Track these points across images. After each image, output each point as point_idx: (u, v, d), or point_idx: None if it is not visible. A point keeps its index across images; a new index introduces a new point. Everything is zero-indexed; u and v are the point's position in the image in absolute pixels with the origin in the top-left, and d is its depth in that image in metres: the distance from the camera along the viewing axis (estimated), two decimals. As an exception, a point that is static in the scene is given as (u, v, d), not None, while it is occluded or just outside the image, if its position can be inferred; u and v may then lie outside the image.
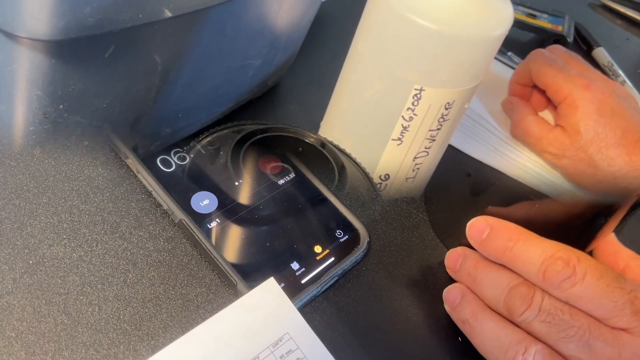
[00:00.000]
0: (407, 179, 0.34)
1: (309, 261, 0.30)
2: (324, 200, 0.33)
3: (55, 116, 0.31)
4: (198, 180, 0.31)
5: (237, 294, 0.28)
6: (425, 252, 0.33)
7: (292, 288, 0.29)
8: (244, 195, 0.32)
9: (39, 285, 0.27)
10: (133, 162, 0.31)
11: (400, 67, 0.30)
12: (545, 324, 0.26)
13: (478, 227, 0.30)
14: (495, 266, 0.29)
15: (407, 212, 0.35)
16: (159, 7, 0.28)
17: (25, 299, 0.27)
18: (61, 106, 0.31)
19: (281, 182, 0.33)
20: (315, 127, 0.36)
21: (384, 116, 0.32)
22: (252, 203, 0.31)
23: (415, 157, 0.33)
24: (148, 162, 0.31)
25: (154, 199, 0.31)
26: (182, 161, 0.32)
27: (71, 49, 0.28)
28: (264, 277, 0.28)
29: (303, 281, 0.29)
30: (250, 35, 0.34)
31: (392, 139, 0.32)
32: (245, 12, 0.33)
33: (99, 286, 0.28)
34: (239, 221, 0.30)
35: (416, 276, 0.32)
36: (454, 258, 0.31)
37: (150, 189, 0.31)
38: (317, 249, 0.30)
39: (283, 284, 0.28)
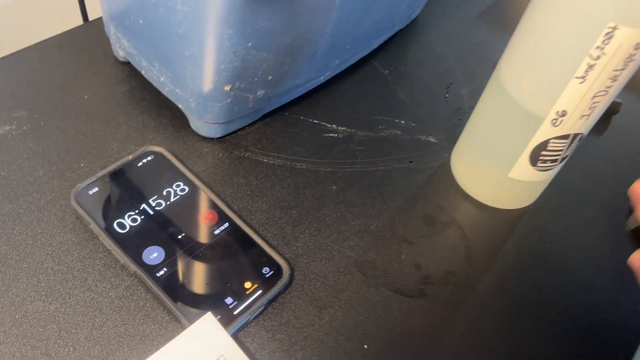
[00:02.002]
0: (582, 116, 0.35)
1: (240, 295, 0.37)
2: (253, 243, 0.40)
3: (244, 54, 0.37)
4: (148, 237, 0.39)
5: (182, 328, 0.36)
6: (340, 278, 0.41)
7: (227, 319, 0.36)
8: (186, 245, 0.39)
9: (24, 335, 0.35)
10: (95, 227, 0.39)
11: (594, 3, 0.29)
12: None
13: None
14: None
15: (325, 245, 0.42)
16: None
17: (14, 346, 0.34)
18: (250, 44, 0.36)
19: (217, 231, 0.40)
20: (457, 60, 0.39)
21: (571, 54, 0.31)
22: (193, 252, 0.39)
23: (594, 96, 0.33)
24: (107, 226, 0.39)
25: (113, 256, 0.38)
26: (134, 222, 0.40)
27: None
28: (203, 312, 0.36)
29: (235, 312, 0.36)
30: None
31: (576, 77, 0.32)
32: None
33: (73, 331, 0.35)
34: (183, 268, 0.38)
35: (332, 300, 0.40)
36: None
37: (109, 248, 0.38)
38: (247, 284, 0.38)
39: (219, 316, 0.36)
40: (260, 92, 0.45)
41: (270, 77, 0.44)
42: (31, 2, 0.57)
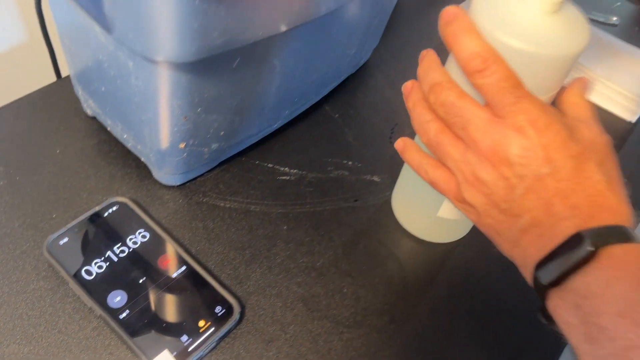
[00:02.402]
0: None
1: (194, 333, 0.42)
2: (207, 284, 0.45)
3: (195, 117, 0.43)
4: (112, 282, 0.44)
5: (142, 364, 0.41)
6: (287, 313, 0.46)
7: (182, 355, 0.41)
8: (147, 288, 0.44)
9: (2, 376, 0.39)
10: (64, 275, 0.43)
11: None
12: (442, 111, 0.37)
13: (448, 10, 0.36)
14: (435, 71, 0.38)
15: (275, 283, 0.47)
16: (276, 24, 0.38)
17: (-8, 386, 0.39)
18: (199, 109, 0.43)
19: (175, 275, 0.45)
20: (403, 102, 0.43)
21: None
22: (153, 294, 0.44)
23: None
24: (75, 273, 0.44)
25: (82, 300, 0.43)
26: (100, 269, 0.44)
27: (204, 65, 0.38)
28: (161, 349, 0.40)
29: (190, 349, 0.41)
30: (349, 32, 0.46)
31: None
32: (346, 14, 0.46)
33: (45, 370, 0.40)
34: (143, 309, 0.43)
35: (279, 334, 0.45)
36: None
37: (78, 293, 0.43)
38: (201, 323, 0.43)
39: (175, 352, 0.41)
40: (214, 146, 0.50)
41: (222, 133, 0.49)
42: (6, 58, 0.62)
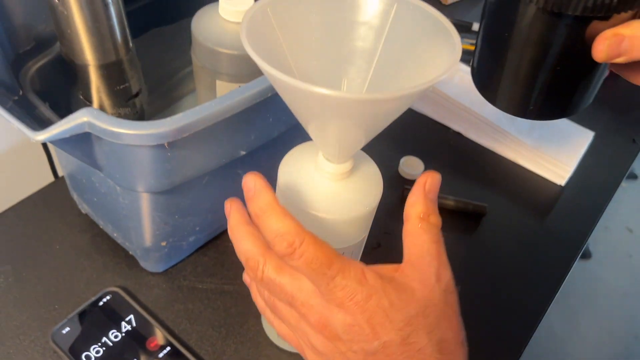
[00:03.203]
0: None
1: (178, 406, 0.50)
2: (189, 362, 0.53)
3: (173, 222, 0.52)
4: (108, 365, 0.52)
5: None
6: (258, 381, 0.54)
7: None
8: (138, 369, 0.52)
9: None
10: (67, 361, 0.52)
11: None
12: (265, 288, 0.36)
13: (248, 184, 0.34)
14: (244, 239, 0.35)
15: (247, 356, 0.56)
16: (237, 150, 0.47)
17: None
18: (176, 216, 0.52)
19: (161, 355, 0.53)
20: None
21: None
22: (142, 374, 0.52)
23: None
24: (75, 357, 0.52)
25: (82, 382, 0.51)
26: (97, 354, 0.53)
27: (178, 188, 0.47)
28: (150, 423, 0.49)
29: (174, 420, 0.49)
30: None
31: None
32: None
33: None
34: (135, 388, 0.51)
35: (250, 400, 0.53)
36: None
37: (79, 377, 0.51)
38: (184, 396, 0.51)
39: None
40: (191, 238, 0.59)
41: (197, 228, 0.58)
42: (5, 159, 0.70)
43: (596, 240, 1.92)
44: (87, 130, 0.38)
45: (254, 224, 0.35)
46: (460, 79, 0.85)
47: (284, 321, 0.38)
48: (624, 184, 1.76)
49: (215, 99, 0.41)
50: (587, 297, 1.79)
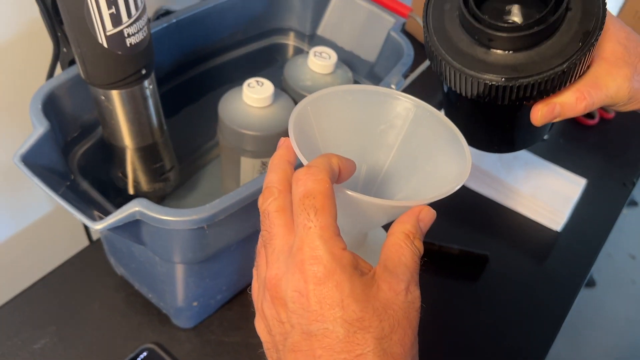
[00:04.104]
0: None
1: None
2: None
3: (204, 285, 0.58)
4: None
5: None
6: None
7: None
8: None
9: None
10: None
11: None
12: (262, 217, 0.34)
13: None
14: (276, 171, 0.35)
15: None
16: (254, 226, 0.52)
17: None
18: (207, 280, 0.58)
19: (195, 407, 0.59)
20: None
21: None
22: None
23: None
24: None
25: None
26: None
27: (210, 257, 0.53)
28: None
29: None
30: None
31: None
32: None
33: None
34: None
35: None
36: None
37: None
38: None
39: None
40: (219, 297, 0.64)
41: (224, 287, 0.63)
42: (42, 228, 0.77)
43: (600, 268, 1.96)
44: (138, 218, 0.45)
45: (292, 165, 0.35)
46: (459, 132, 0.91)
47: (256, 269, 0.35)
48: (625, 211, 1.81)
49: (246, 184, 0.48)
50: (593, 323, 1.82)
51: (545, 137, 0.99)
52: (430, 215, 0.35)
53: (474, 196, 0.87)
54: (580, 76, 0.40)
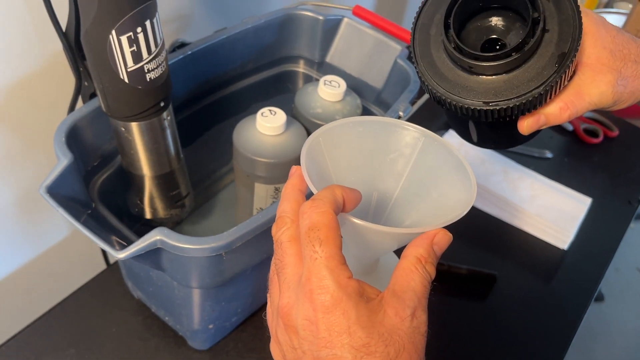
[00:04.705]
0: None
1: None
2: None
3: (220, 308, 0.59)
4: None
5: None
6: None
7: None
8: None
9: None
10: None
11: None
12: (275, 246, 0.35)
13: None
14: (288, 200, 0.36)
15: None
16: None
17: None
18: (223, 303, 0.59)
19: None
20: None
21: None
22: None
23: None
24: None
25: None
26: None
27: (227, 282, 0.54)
28: None
29: None
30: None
31: None
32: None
33: None
34: None
35: None
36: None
37: None
38: None
39: None
40: (234, 319, 0.66)
41: (239, 310, 0.65)
42: (61, 252, 0.79)
43: (608, 282, 1.96)
44: (159, 246, 0.47)
45: (303, 193, 0.36)
46: (465, 153, 0.93)
47: (269, 296, 0.37)
48: (633, 225, 1.81)
49: (261, 212, 0.49)
50: (603, 338, 1.82)
51: (550, 155, 1.00)
52: (446, 238, 0.36)
53: (482, 216, 0.88)
54: (561, 90, 0.42)
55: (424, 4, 0.44)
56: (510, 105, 0.40)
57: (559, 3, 0.40)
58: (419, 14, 0.44)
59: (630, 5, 1.37)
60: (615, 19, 1.29)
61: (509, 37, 0.42)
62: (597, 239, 0.88)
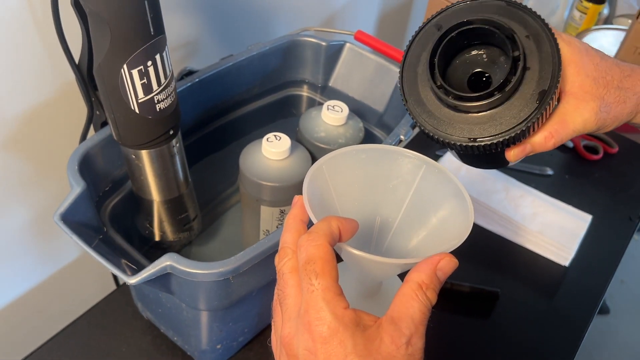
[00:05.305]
0: None
1: None
2: None
3: (227, 328, 0.61)
4: None
5: None
6: None
7: None
8: None
9: None
10: None
11: None
12: (277, 276, 0.37)
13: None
14: (290, 231, 0.38)
15: None
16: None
17: None
18: (230, 323, 0.60)
19: None
20: None
21: None
22: None
23: None
24: None
25: None
26: None
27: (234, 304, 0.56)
28: None
29: None
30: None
31: None
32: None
33: None
34: None
35: None
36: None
37: None
38: None
39: None
40: (241, 339, 0.67)
41: (246, 330, 0.67)
42: (71, 273, 0.81)
43: (612, 295, 1.96)
44: (169, 271, 0.48)
45: (305, 223, 0.38)
46: (467, 171, 0.94)
47: (273, 324, 0.38)
48: (636, 236, 1.82)
49: (267, 237, 0.51)
50: (609, 350, 1.82)
51: (551, 172, 1.02)
52: (451, 265, 0.37)
53: (484, 233, 0.90)
54: (544, 122, 0.44)
55: (411, 43, 0.46)
56: (494, 142, 0.42)
57: (539, 41, 0.42)
58: (406, 52, 0.46)
59: (629, 21, 1.39)
60: (614, 35, 1.31)
61: (493, 70, 0.44)
62: (598, 255, 0.89)
